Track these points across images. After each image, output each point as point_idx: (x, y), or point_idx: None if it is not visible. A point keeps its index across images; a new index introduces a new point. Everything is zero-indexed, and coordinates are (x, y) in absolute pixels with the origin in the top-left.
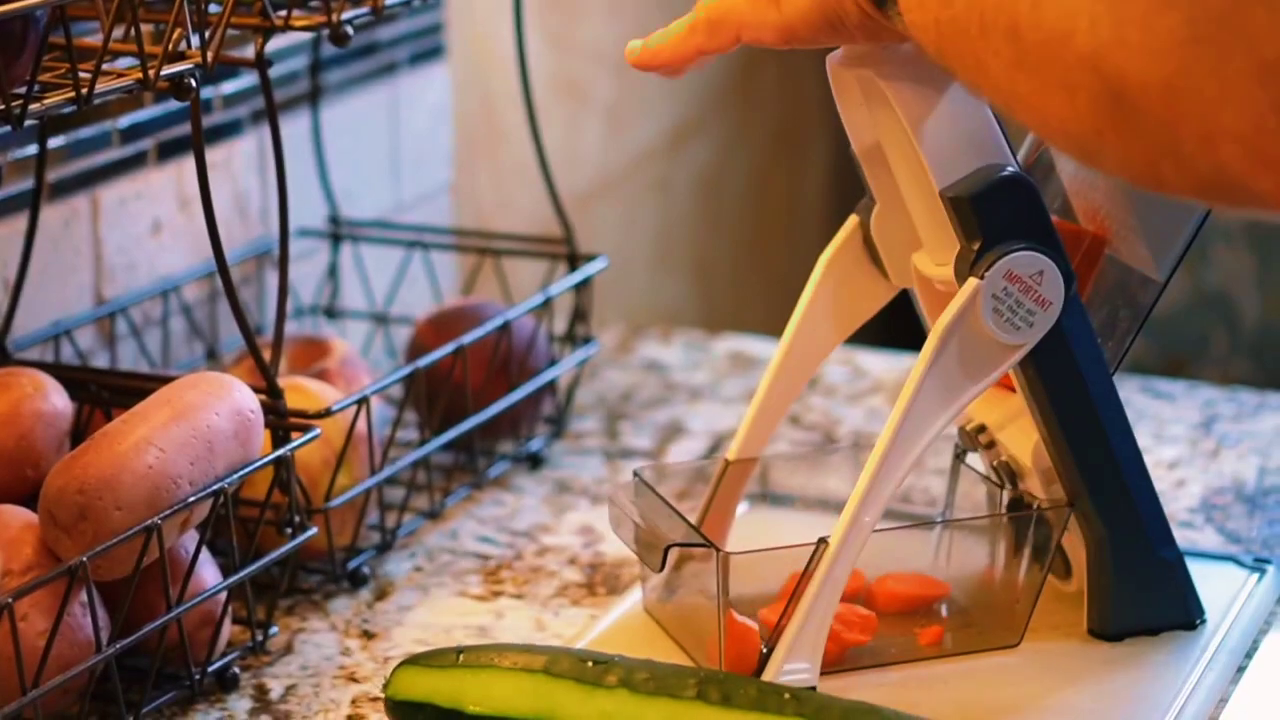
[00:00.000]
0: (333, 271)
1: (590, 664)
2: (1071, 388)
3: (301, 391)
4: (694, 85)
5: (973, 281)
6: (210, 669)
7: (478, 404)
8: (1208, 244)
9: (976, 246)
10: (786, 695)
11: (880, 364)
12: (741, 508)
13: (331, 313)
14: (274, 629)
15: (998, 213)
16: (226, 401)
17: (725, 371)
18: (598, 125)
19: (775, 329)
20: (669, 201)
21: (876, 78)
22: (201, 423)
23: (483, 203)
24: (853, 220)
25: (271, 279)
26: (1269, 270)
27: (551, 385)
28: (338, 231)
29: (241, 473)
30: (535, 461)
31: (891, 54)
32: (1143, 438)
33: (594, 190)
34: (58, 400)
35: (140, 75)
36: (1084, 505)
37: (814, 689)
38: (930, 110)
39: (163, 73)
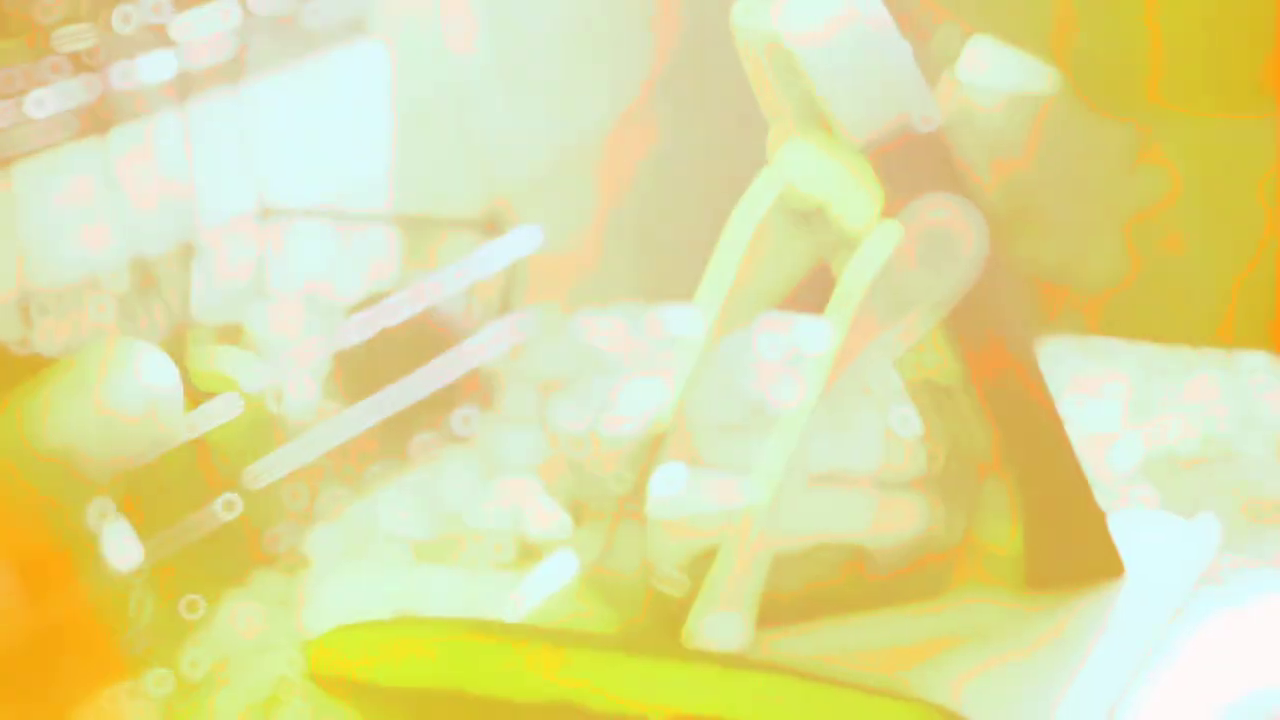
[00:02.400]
0: (262, 255)
1: (506, 628)
2: (991, 339)
3: (217, 369)
4: (639, 64)
5: (890, 228)
6: (124, 647)
7: (400, 377)
8: None
9: (893, 195)
10: (703, 650)
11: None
12: (677, 474)
13: (263, 297)
14: (194, 604)
15: (914, 162)
16: (135, 373)
17: (660, 344)
18: (538, 105)
19: None
20: (615, 183)
21: (783, 40)
22: (107, 395)
23: (423, 189)
24: (772, 175)
25: (198, 264)
26: None
27: (480, 361)
28: (267, 214)
29: (153, 447)
30: (464, 438)
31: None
32: (1077, 398)
33: (535, 172)
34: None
35: None
36: (1006, 456)
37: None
38: (839, 65)
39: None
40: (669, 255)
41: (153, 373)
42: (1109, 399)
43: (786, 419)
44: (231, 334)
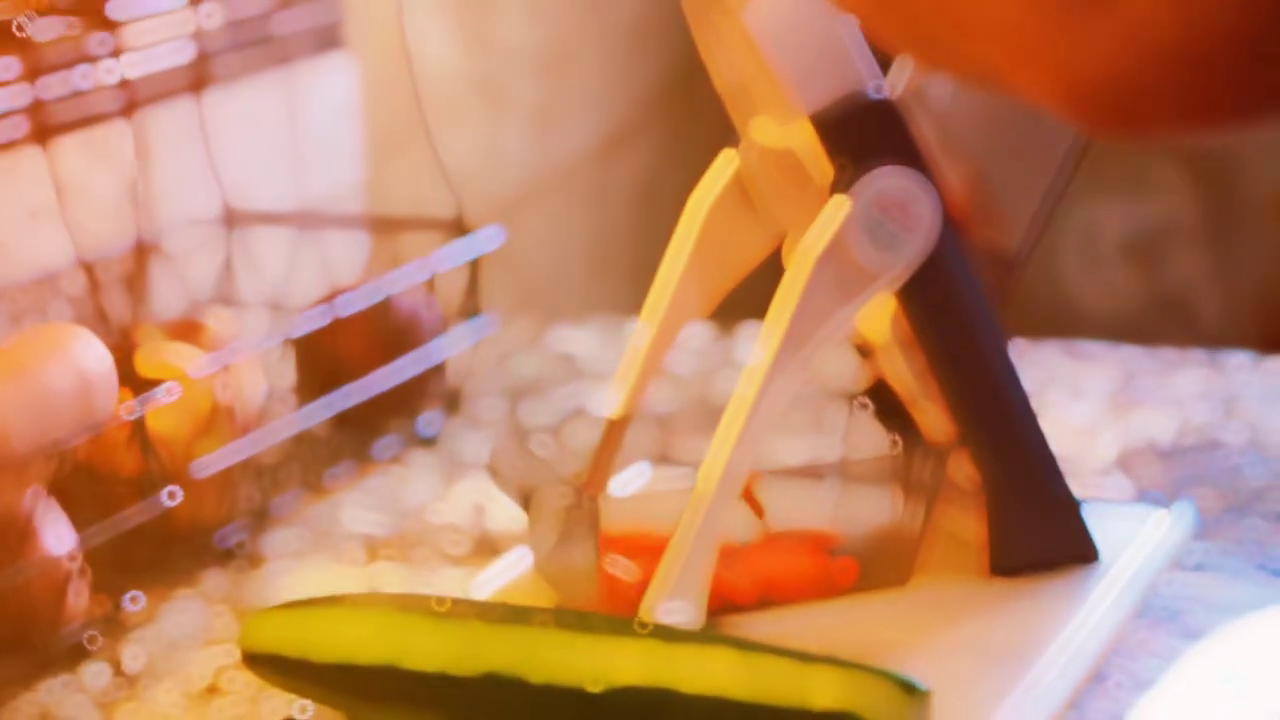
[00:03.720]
0: (226, 261)
1: (441, 604)
2: (949, 318)
3: (161, 358)
4: (625, 90)
5: (841, 200)
6: (62, 639)
7: (358, 376)
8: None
9: (843, 165)
10: (643, 625)
11: None
12: (644, 471)
13: (227, 303)
14: (135, 598)
15: (865, 133)
16: (67, 356)
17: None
18: (522, 129)
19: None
20: (605, 211)
21: (734, 10)
22: (38, 380)
23: (393, 201)
24: (729, 157)
25: (162, 269)
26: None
27: (443, 364)
28: (231, 220)
29: (85, 432)
30: (429, 441)
31: None
32: (1059, 395)
33: (522, 196)
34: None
35: None
36: (971, 443)
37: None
38: (790, 38)
39: None
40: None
41: (87, 356)
42: (1090, 397)
43: (733, 403)
44: (189, 332)
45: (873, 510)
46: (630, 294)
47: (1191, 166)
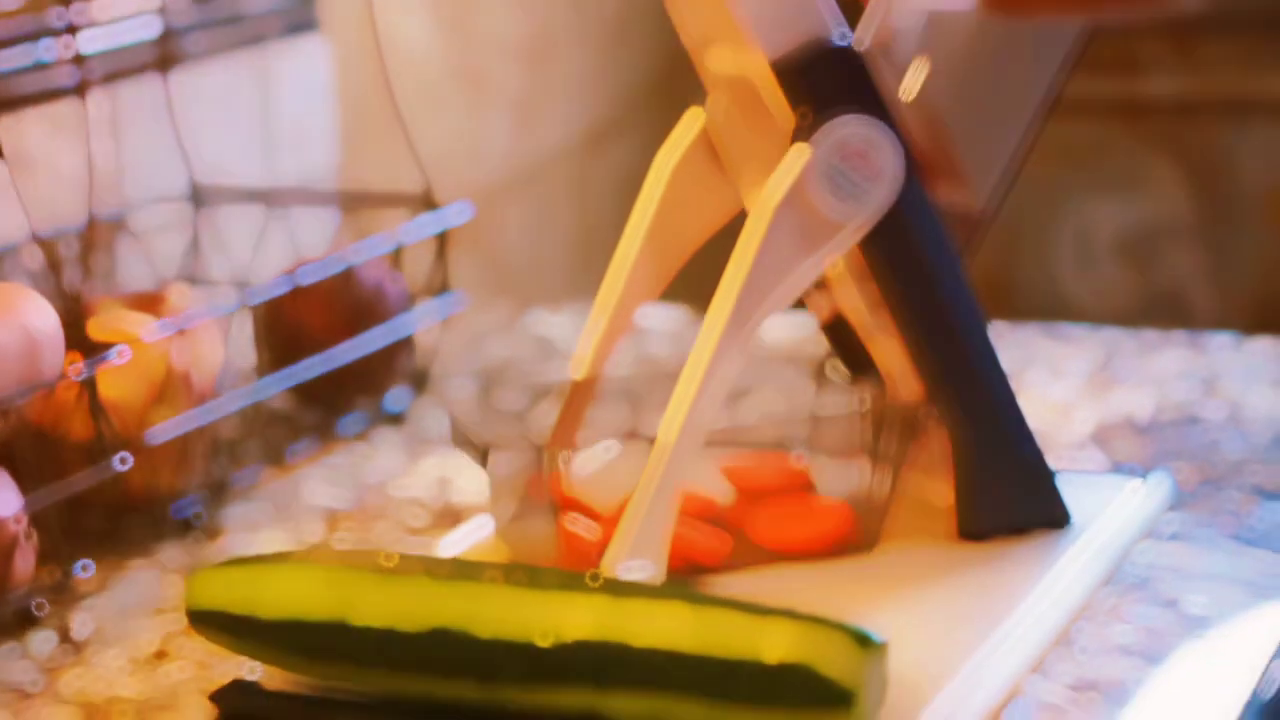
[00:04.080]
0: (194, 239)
1: (389, 560)
2: (916, 273)
3: (115, 324)
4: (608, 83)
5: (801, 148)
6: (7, 604)
7: (320, 349)
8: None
9: (806, 115)
10: (594, 579)
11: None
12: (612, 447)
13: (194, 281)
14: (85, 566)
15: (827, 81)
16: (12, 315)
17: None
18: (503, 119)
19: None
20: (585, 203)
21: None
22: None
23: (367, 184)
24: (695, 114)
25: (125, 246)
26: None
27: (410, 341)
28: (198, 198)
29: (29, 391)
30: (396, 418)
31: None
32: (1039, 374)
33: (500, 183)
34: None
35: None
36: (941, 402)
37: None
38: None
39: None
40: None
41: (32, 314)
42: (1069, 376)
43: (692, 357)
44: (149, 304)
45: (839, 475)
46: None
47: (1186, 163)
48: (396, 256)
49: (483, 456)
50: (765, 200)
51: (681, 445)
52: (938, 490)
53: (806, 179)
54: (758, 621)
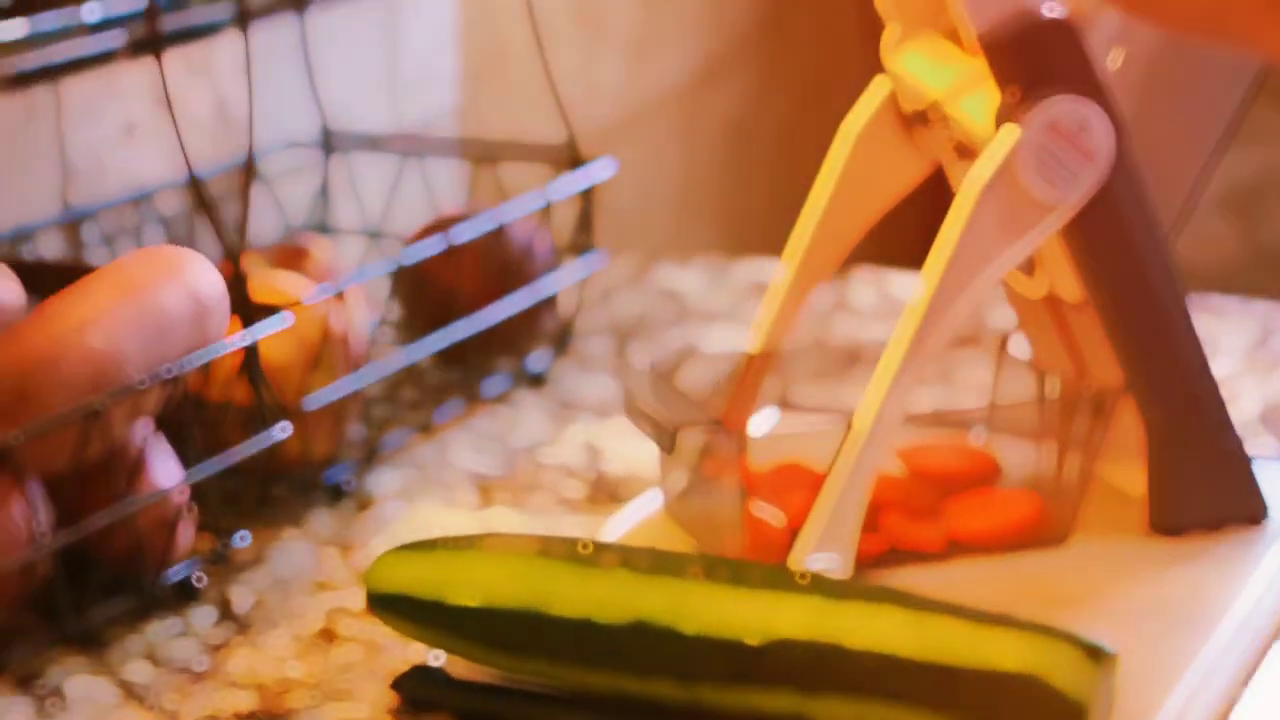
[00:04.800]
0: (324, 186)
1: (586, 548)
2: (1122, 258)
3: (272, 285)
4: (720, 23)
5: (1011, 129)
6: (168, 578)
7: (470, 311)
8: None
9: (1014, 93)
10: (802, 577)
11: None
12: (772, 416)
13: (324, 229)
14: (243, 537)
15: (1039, 58)
16: (180, 280)
17: (744, 296)
18: (617, 57)
19: None
20: (694, 146)
21: None
22: (152, 302)
23: (491, 129)
24: (881, 82)
25: (258, 192)
26: None
27: (553, 300)
28: (330, 144)
29: (198, 358)
30: (537, 380)
31: None
32: None
33: (613, 128)
34: (7, 288)
35: None
36: (1139, 389)
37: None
38: None
39: None
40: (749, 214)
41: (201, 280)
42: (1228, 353)
43: (891, 344)
44: (294, 258)
45: (1025, 461)
46: (720, 234)
47: None
48: (545, 214)
49: (660, 432)
50: (971, 181)
51: (877, 434)
52: (1130, 479)
53: (1015, 161)
54: (984, 629)
